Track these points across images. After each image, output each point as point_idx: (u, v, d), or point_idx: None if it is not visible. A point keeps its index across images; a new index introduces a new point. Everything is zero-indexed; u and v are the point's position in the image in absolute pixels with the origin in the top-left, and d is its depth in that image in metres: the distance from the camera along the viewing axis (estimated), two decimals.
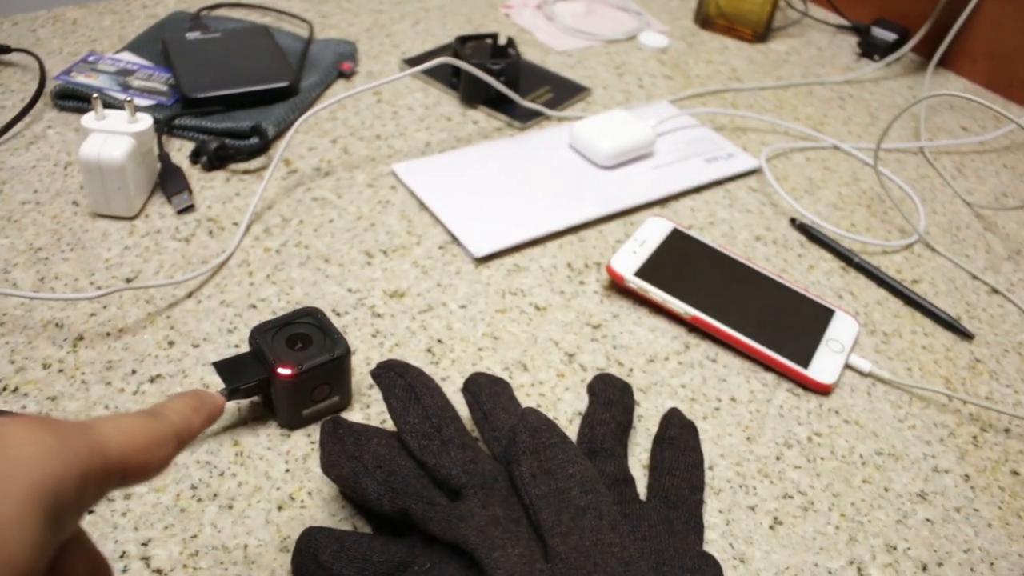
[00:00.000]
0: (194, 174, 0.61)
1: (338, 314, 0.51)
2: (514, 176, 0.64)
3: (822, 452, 0.47)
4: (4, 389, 0.44)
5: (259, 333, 0.42)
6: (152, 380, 0.45)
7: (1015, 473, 0.48)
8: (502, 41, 0.82)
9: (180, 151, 0.62)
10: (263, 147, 0.63)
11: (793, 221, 0.64)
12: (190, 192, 0.58)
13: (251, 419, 0.44)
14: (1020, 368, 0.55)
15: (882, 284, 0.59)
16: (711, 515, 0.43)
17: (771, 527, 0.43)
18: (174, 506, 0.40)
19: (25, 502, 0.20)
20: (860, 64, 0.89)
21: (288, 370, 0.41)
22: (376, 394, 0.46)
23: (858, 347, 0.54)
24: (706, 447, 0.46)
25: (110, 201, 0.55)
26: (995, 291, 0.61)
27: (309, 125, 0.68)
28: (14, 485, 0.20)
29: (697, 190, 0.66)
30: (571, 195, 0.62)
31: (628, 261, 0.55)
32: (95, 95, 0.54)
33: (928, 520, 0.44)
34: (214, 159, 0.61)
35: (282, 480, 0.41)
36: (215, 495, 0.40)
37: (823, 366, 0.51)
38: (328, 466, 0.38)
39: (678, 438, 0.44)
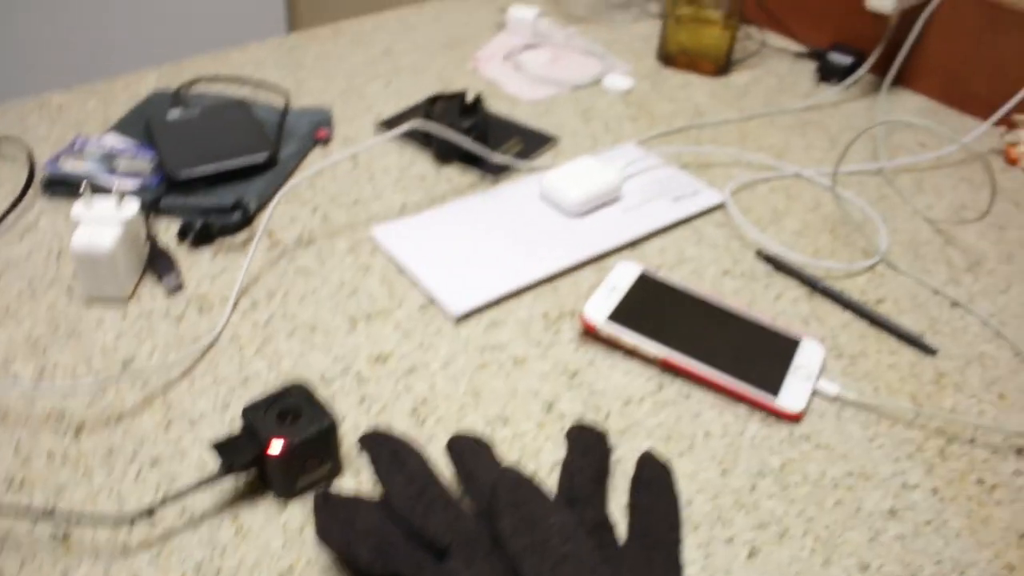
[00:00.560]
0: (182, 252, 0.63)
1: (327, 382, 0.53)
2: (488, 231, 0.66)
3: (795, 478, 0.49)
4: (11, 482, 0.46)
5: (251, 411, 0.45)
6: (153, 464, 0.48)
7: (981, 481, 0.50)
8: (470, 98, 0.85)
9: (167, 231, 0.65)
10: (246, 221, 0.65)
11: (759, 252, 0.67)
12: (178, 273, 0.60)
13: (249, 492, 0.46)
14: (983, 378, 0.57)
15: (847, 307, 0.62)
16: (690, 550, 0.45)
17: (748, 557, 0.45)
18: None
19: None
20: (819, 89, 0.92)
21: (278, 448, 0.43)
22: (367, 460, 0.48)
23: (825, 371, 0.57)
24: (683, 483, 0.49)
25: (102, 286, 0.57)
26: (956, 304, 0.63)
27: (289, 196, 0.70)
28: None
29: (665, 230, 0.69)
30: (544, 245, 0.65)
31: (600, 309, 0.58)
32: (84, 182, 0.56)
33: (900, 536, 0.46)
34: (200, 236, 0.64)
35: (281, 552, 0.44)
36: (218, 571, 0.42)
37: (792, 394, 0.53)
38: (322, 536, 0.40)
39: (654, 480, 0.46)
